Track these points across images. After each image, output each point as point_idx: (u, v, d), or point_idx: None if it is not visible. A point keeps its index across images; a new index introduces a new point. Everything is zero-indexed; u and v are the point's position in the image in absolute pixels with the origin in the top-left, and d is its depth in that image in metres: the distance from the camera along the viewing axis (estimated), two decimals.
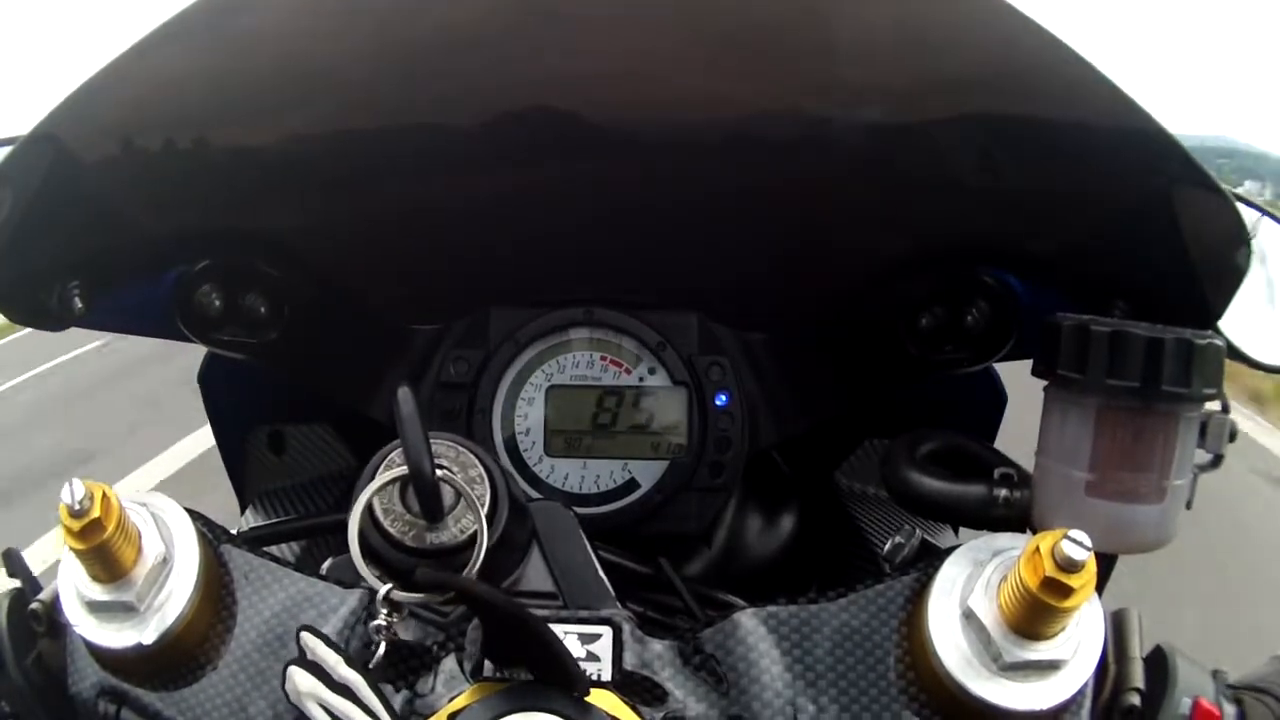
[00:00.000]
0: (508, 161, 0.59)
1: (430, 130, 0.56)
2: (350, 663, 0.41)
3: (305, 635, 0.42)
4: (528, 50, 0.51)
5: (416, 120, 0.56)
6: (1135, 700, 0.45)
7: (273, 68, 0.50)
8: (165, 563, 0.45)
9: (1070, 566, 0.38)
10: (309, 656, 0.41)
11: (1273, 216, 0.75)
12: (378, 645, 0.43)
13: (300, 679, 0.40)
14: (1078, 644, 0.42)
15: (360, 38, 0.49)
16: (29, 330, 0.61)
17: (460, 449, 0.45)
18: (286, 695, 0.41)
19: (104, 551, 0.42)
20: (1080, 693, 0.42)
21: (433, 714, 0.42)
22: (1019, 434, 0.66)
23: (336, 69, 0.51)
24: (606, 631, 0.45)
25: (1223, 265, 0.50)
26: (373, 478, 0.44)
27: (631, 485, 0.71)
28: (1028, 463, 0.52)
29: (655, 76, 0.52)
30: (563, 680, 0.39)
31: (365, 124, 0.55)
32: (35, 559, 0.51)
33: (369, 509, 0.43)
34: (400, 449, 0.43)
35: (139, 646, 0.43)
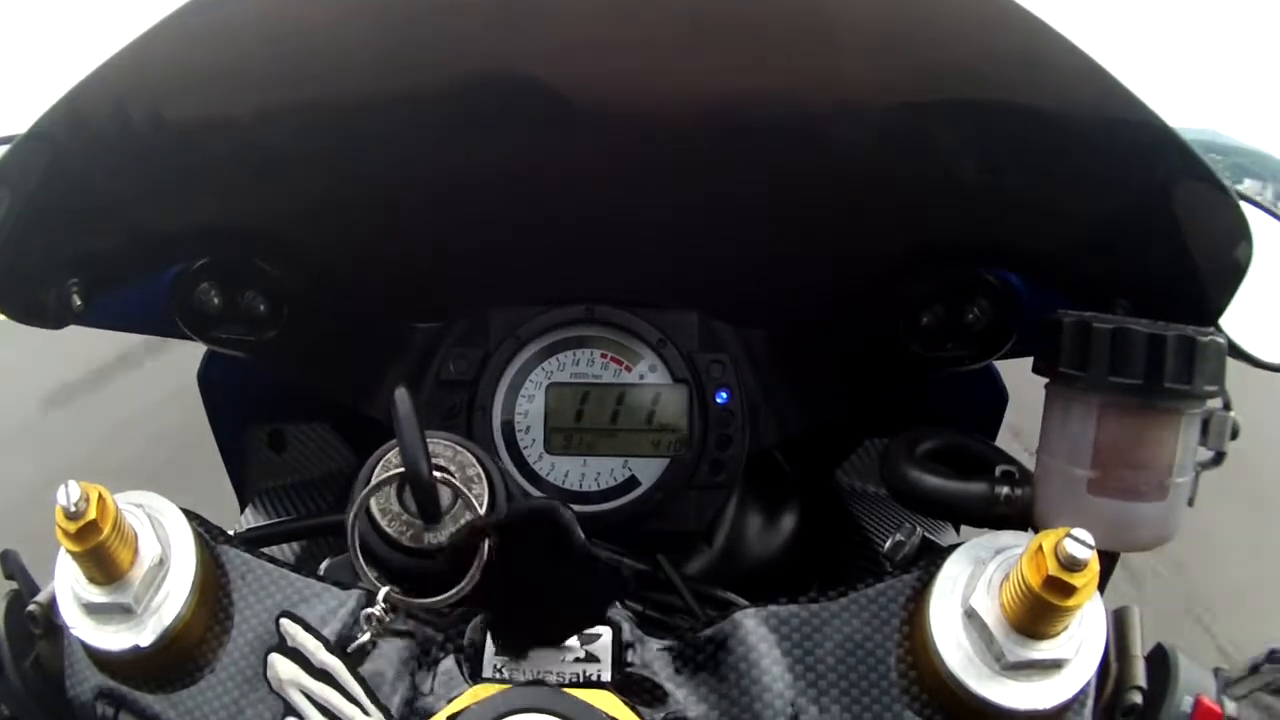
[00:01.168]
0: (503, 158, 0.59)
1: (424, 122, 0.56)
2: (330, 648, 0.41)
3: (284, 622, 0.41)
4: (525, 44, 0.50)
5: (409, 110, 0.55)
6: (1137, 699, 0.45)
7: (266, 62, 0.50)
8: (162, 564, 0.44)
9: (1073, 565, 0.38)
10: (289, 643, 0.41)
11: (1273, 214, 0.74)
12: (363, 632, 0.43)
13: (282, 666, 0.40)
14: (1080, 643, 0.42)
15: (349, 26, 0.49)
16: None
17: (458, 448, 0.45)
18: (269, 683, 0.40)
19: (100, 553, 0.42)
20: (1082, 691, 0.42)
21: (432, 715, 0.41)
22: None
23: (328, 59, 0.51)
24: (606, 631, 0.45)
25: (1224, 262, 0.50)
26: (370, 478, 0.43)
27: (632, 483, 0.71)
28: (1029, 460, 0.52)
29: (653, 68, 0.52)
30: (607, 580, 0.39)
31: (361, 118, 0.55)
32: None
33: (366, 509, 0.43)
34: (397, 449, 0.43)
35: (136, 649, 0.43)
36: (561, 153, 0.59)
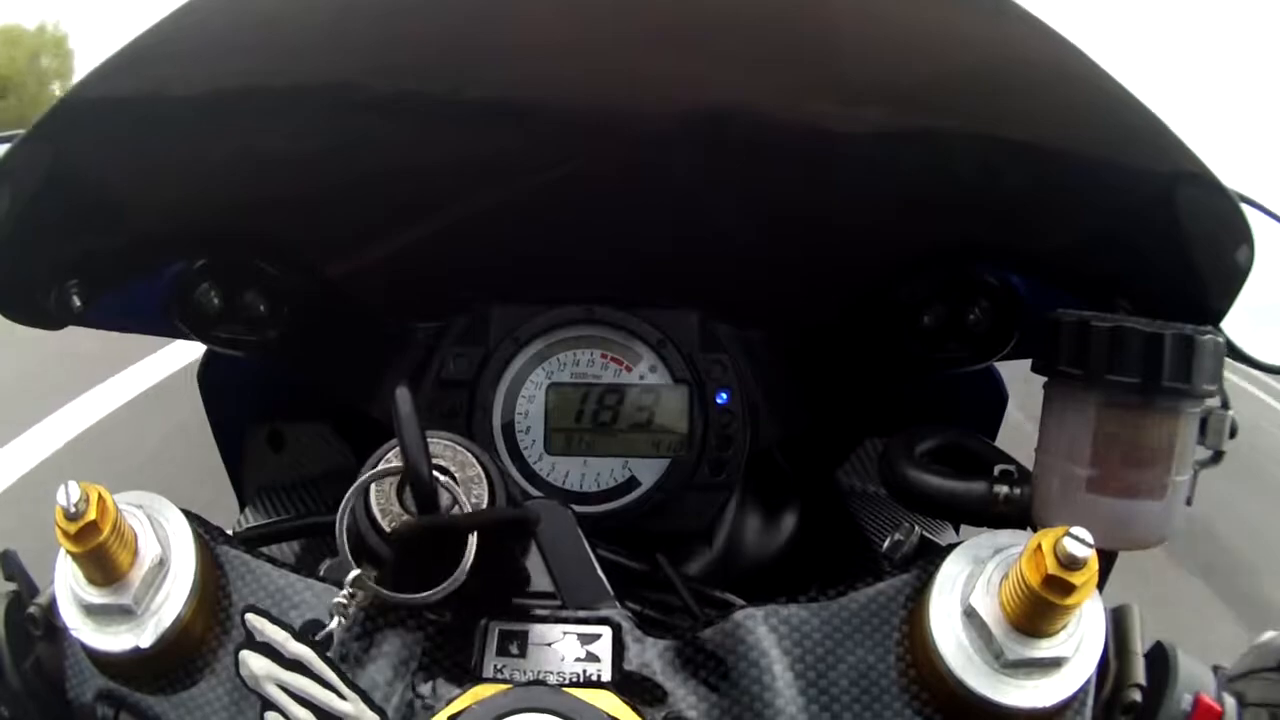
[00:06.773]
0: (503, 165, 0.59)
1: (433, 138, 0.56)
2: (299, 637, 0.40)
3: (249, 617, 0.41)
4: (517, 49, 0.50)
5: (412, 124, 0.55)
6: (1137, 696, 0.45)
7: (265, 68, 0.50)
8: (162, 565, 0.44)
9: (1072, 564, 0.38)
10: (258, 638, 0.41)
11: (1274, 215, 0.74)
12: (332, 619, 0.43)
13: (254, 662, 0.40)
14: (1079, 641, 0.42)
15: (331, 26, 0.49)
16: None
17: (458, 449, 0.45)
18: (244, 682, 0.40)
19: (100, 554, 0.42)
20: (1082, 689, 0.42)
21: (433, 715, 0.41)
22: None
23: (326, 68, 0.51)
24: (606, 631, 0.45)
25: (1225, 264, 0.50)
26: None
27: (632, 483, 0.71)
28: (1028, 460, 0.52)
29: (655, 75, 0.52)
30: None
31: (357, 124, 0.55)
32: None
33: (366, 508, 0.43)
34: (397, 448, 0.43)
35: (136, 650, 0.43)
36: (575, 171, 0.59)
